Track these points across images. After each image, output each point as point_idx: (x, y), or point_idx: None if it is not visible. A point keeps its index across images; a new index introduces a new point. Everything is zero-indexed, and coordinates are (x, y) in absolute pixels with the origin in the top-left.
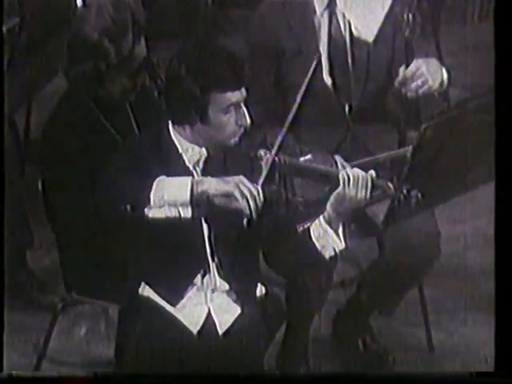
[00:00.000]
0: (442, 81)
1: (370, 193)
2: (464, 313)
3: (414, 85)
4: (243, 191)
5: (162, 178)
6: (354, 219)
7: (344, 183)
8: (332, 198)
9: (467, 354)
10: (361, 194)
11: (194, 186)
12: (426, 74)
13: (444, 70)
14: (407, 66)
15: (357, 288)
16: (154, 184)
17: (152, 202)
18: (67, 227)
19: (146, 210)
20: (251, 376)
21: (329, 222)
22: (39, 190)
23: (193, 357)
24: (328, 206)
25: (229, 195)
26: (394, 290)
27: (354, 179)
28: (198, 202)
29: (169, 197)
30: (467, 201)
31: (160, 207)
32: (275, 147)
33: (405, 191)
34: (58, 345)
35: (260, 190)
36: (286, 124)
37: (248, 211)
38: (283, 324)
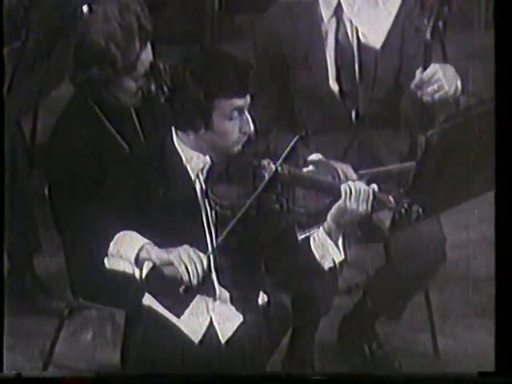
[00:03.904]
0: (457, 87)
1: (372, 206)
2: (470, 318)
3: (430, 89)
4: (183, 259)
5: (126, 232)
6: (360, 225)
7: (346, 196)
8: (333, 210)
9: (473, 359)
10: (362, 208)
11: (141, 252)
12: (442, 79)
13: (458, 77)
14: (424, 69)
15: (363, 294)
16: (115, 237)
17: (109, 254)
18: (74, 232)
19: (105, 259)
20: (254, 378)
21: (329, 234)
22: (46, 195)
23: (195, 366)
24: (328, 218)
25: (171, 264)
26: (400, 295)
27: (355, 193)
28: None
29: (122, 253)
30: (473, 207)
31: (117, 259)
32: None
33: (406, 205)
34: (64, 350)
35: (204, 259)
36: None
37: (187, 278)
38: (289, 330)
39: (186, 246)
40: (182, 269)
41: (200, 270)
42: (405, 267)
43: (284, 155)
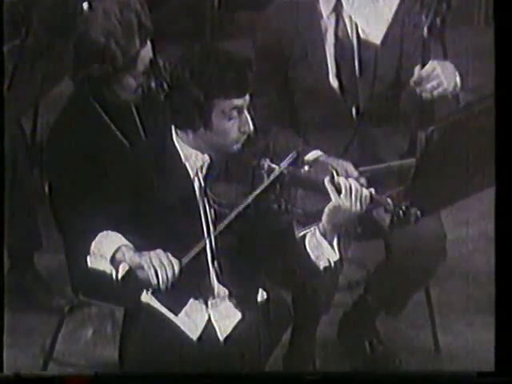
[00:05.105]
0: (456, 84)
1: (366, 205)
2: (470, 314)
3: (429, 85)
4: (153, 263)
5: (109, 232)
6: (361, 222)
7: (333, 194)
8: (327, 210)
9: (474, 356)
10: (355, 207)
11: (117, 253)
12: (441, 75)
13: (457, 73)
14: (423, 66)
15: (363, 290)
16: (98, 236)
17: (91, 252)
18: (73, 230)
19: (87, 257)
20: (253, 376)
21: (324, 234)
22: (46, 193)
23: (194, 363)
24: (323, 218)
25: (142, 268)
26: (401, 292)
27: (345, 191)
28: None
29: (101, 252)
30: (473, 203)
31: (98, 258)
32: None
33: (404, 207)
34: (64, 347)
35: (176, 264)
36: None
37: (155, 282)
38: (289, 327)
39: (158, 251)
40: (152, 273)
41: (170, 275)
42: (405, 264)
43: (287, 159)
